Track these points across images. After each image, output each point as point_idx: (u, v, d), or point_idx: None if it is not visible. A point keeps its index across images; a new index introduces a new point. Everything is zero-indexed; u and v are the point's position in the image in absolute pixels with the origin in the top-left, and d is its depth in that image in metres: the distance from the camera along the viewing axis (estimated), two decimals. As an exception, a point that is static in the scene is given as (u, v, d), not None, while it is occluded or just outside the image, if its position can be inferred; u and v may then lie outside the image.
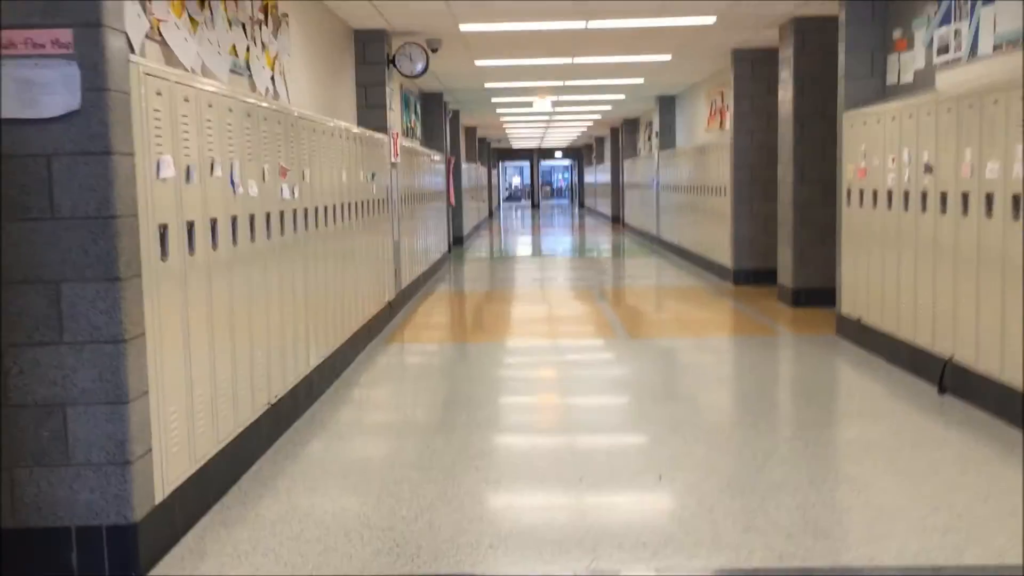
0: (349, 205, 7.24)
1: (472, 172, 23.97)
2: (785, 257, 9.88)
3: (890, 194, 6.68)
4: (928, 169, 6.03)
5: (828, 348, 7.47)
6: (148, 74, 3.53)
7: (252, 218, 4.73)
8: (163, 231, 3.62)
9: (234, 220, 4.45)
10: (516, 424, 5.55)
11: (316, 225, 6.13)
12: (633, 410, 5.78)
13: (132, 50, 4.06)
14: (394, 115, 10.58)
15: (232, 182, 4.44)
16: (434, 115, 16.48)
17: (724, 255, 12.25)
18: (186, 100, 3.90)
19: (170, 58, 4.56)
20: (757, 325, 8.81)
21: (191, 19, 4.82)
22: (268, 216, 5.02)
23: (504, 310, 10.33)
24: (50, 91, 3.19)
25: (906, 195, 6.39)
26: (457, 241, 19.15)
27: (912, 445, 4.86)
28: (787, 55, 9.71)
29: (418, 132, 15.26)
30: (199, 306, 4.00)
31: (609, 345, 8.02)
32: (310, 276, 5.96)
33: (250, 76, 5.86)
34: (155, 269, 3.55)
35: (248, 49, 5.79)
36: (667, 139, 17.97)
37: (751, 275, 11.68)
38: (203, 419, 4.01)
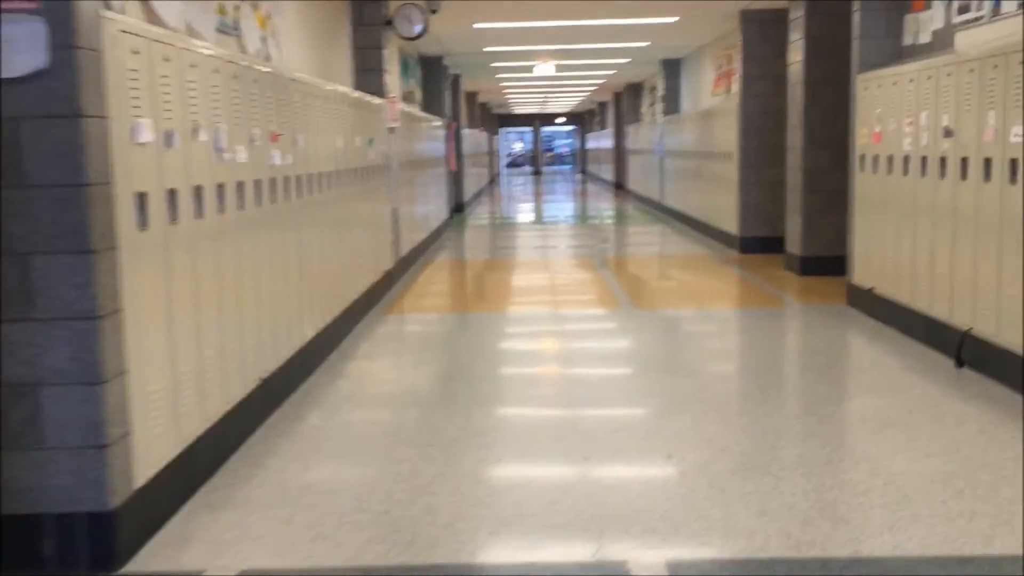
0: (345, 171, 7.00)
1: (473, 138, 23.65)
2: (793, 224, 9.64)
3: (906, 159, 6.43)
4: (948, 133, 5.78)
5: (839, 319, 7.26)
6: (123, 31, 3.28)
7: (240, 185, 4.50)
8: (141, 199, 3.39)
9: (220, 187, 4.22)
10: (518, 398, 5.35)
11: (310, 192, 5.90)
12: (639, 384, 5.59)
13: (109, 7, 3.82)
14: (392, 79, 10.29)
15: (218, 147, 4.21)
16: (434, 80, 16.17)
17: (730, 222, 12.01)
18: (166, 60, 3.66)
19: (153, 17, 4.31)
20: (765, 295, 8.60)
21: (174, -25, 4.56)
22: (258, 183, 4.79)
23: (505, 278, 10.12)
24: (15, 49, 2.95)
25: (923, 160, 6.15)
26: (458, 208, 18.90)
27: (931, 421, 4.66)
28: (797, 16, 9.41)
29: (418, 97, 14.96)
30: (183, 278, 3.79)
31: (613, 315, 7.82)
32: (304, 245, 5.74)
33: (239, 36, 5.60)
34: (133, 240, 3.33)
35: (237, 8, 5.53)
36: (672, 104, 17.65)
37: (758, 243, 11.45)
38: (189, 397, 3.81)
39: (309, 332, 5.83)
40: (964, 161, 5.57)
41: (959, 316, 5.68)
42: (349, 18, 9.18)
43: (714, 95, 14.39)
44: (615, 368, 6.07)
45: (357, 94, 7.72)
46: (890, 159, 6.73)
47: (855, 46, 7.52)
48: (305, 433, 4.65)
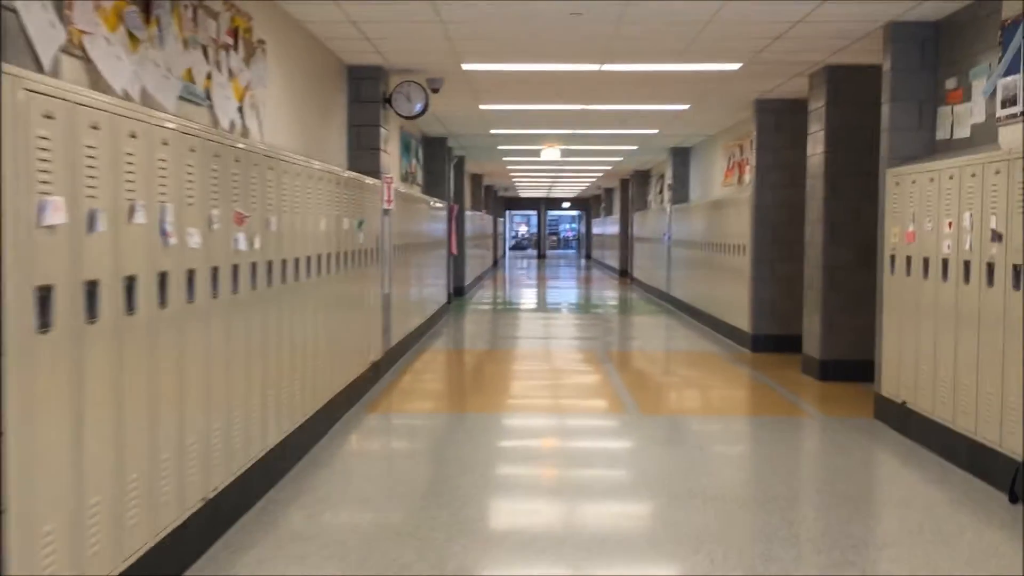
0: (329, 256, 6.41)
1: (476, 220, 23.24)
2: (812, 325, 9.00)
3: (945, 263, 5.82)
4: (996, 237, 5.18)
5: (868, 436, 6.55)
6: (32, 91, 2.70)
7: (191, 274, 3.88)
8: (44, 295, 2.76)
9: (163, 277, 3.60)
10: (508, 532, 4.62)
11: (284, 280, 5.28)
12: (651, 519, 4.85)
13: (40, 67, 3.26)
14: (390, 159, 9.80)
15: (163, 231, 3.61)
16: (437, 160, 15.75)
17: (741, 318, 11.37)
18: (95, 128, 3.07)
19: (97, 80, 3.75)
20: (783, 402, 7.89)
21: (131, 35, 4.02)
22: (215, 271, 4.17)
23: (503, 373, 9.44)
24: None
25: (966, 265, 5.53)
26: (458, 291, 18.32)
27: (992, 577, 3.94)
28: (818, 106, 8.93)
29: (419, 178, 14.50)
30: (101, 385, 3.13)
31: (619, 423, 7.11)
32: (272, 338, 5.10)
33: (211, 107, 5.06)
34: (28, 344, 2.69)
35: (209, 76, 4.99)
36: (680, 192, 17.20)
37: (771, 341, 10.79)
38: (100, 533, 3.12)
39: (273, 438, 5.14)
40: (1017, 269, 4.95)
41: (1011, 443, 4.99)
42: (345, 94, 8.72)
43: (725, 185, 13.91)
44: (624, 497, 5.33)
45: (346, 173, 7.17)
46: (926, 261, 6.12)
47: (884, 139, 6.98)
48: (247, 568, 3.93)
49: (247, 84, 5.64)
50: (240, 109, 5.52)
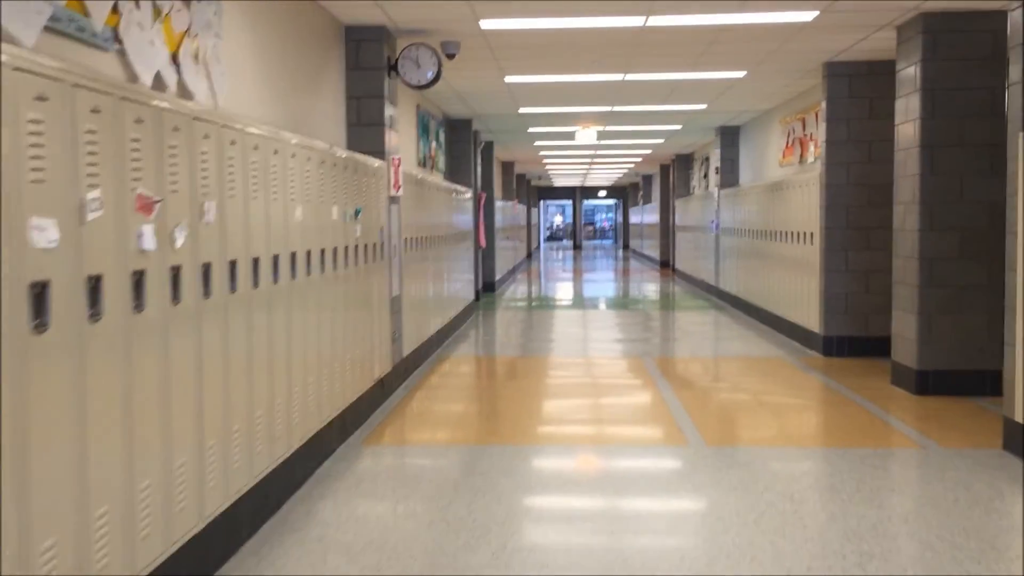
0: (309, 254, 5.05)
1: (508, 210, 21.82)
2: (905, 327, 7.48)
3: (1125, 252, 4.32)
4: None
5: (1006, 478, 5.06)
6: None
7: (41, 288, 2.53)
8: None
9: (-27, 297, 2.25)
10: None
11: (232, 287, 3.93)
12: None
13: None
14: (399, 137, 8.43)
15: (-29, 222, 2.25)
16: (461, 145, 14.36)
17: (809, 317, 9.87)
18: None
19: None
20: (883, 427, 6.41)
21: (-44, -72, 2.67)
22: (95, 281, 2.82)
23: (536, 388, 8.04)
24: None
25: None
26: (488, 287, 16.94)
27: None
28: (910, 63, 7.40)
29: (440, 163, 13.12)
30: None
31: (679, 459, 5.67)
32: (216, 369, 3.75)
33: (122, 53, 3.70)
34: None
35: (117, 8, 3.63)
36: (729, 176, 15.67)
37: (847, 344, 9.29)
38: None
39: (217, 501, 3.79)
40: None
41: None
42: (341, 59, 7.33)
43: (783, 165, 12.38)
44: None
45: (335, 150, 5.80)
46: (1087, 250, 4.63)
47: (1015, 94, 5.47)
48: None
49: (187, 29, 4.27)
50: (175, 61, 4.15)
